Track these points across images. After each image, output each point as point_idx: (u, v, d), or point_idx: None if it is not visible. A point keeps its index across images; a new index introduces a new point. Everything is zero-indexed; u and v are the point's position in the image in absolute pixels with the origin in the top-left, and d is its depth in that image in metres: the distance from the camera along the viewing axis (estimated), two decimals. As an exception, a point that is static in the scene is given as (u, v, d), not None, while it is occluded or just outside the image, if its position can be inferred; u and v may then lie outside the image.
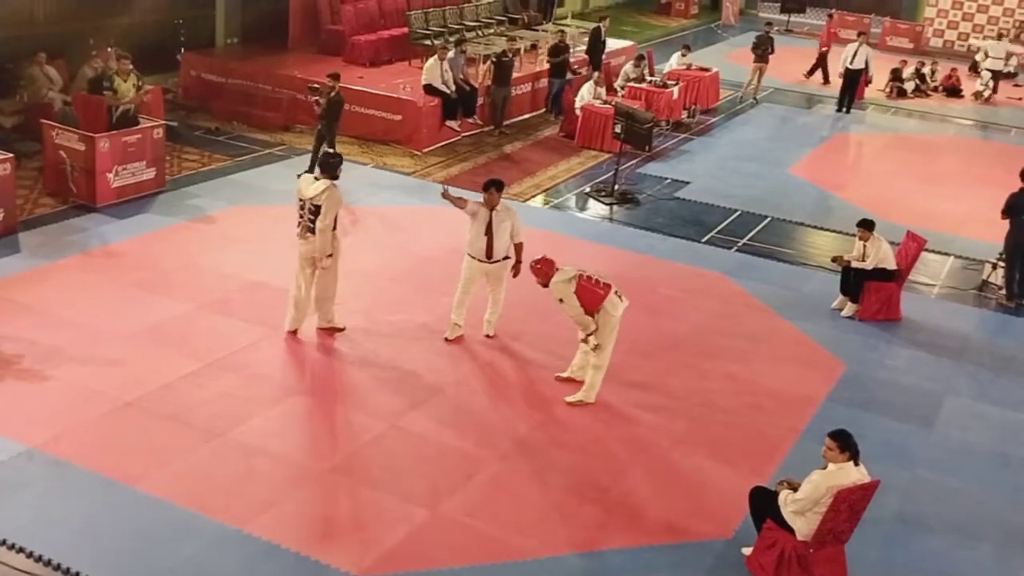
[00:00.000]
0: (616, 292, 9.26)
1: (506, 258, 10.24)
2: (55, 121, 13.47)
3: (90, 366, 9.24)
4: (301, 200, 9.73)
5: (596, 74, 18.78)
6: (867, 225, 11.74)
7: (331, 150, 13.67)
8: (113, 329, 9.92)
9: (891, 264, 11.67)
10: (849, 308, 11.74)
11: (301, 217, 9.75)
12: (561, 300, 9.21)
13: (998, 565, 7.71)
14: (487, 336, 10.46)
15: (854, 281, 11.72)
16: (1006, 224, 12.49)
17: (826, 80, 23.99)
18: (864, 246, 11.71)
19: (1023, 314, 12.27)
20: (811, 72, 23.99)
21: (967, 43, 28.99)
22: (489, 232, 10.01)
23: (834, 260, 12.17)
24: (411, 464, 8.27)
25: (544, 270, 9.30)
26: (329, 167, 9.80)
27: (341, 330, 10.25)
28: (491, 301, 10.48)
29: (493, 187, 10.01)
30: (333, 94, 14.22)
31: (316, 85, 14.58)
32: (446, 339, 10.31)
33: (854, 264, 11.70)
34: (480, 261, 10.13)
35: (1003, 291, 12.60)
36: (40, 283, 10.75)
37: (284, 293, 10.91)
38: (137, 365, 9.32)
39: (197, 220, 12.82)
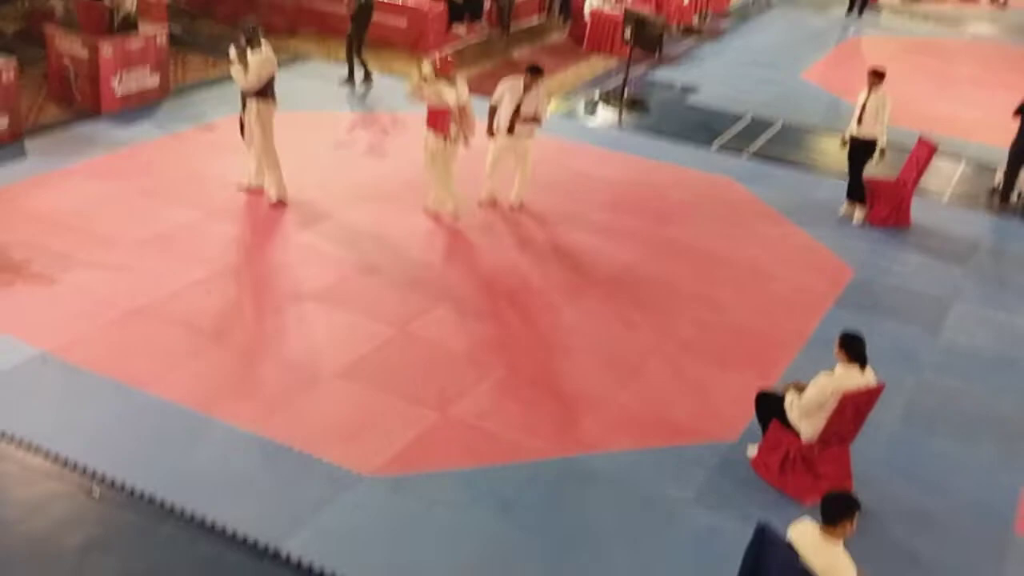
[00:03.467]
0: (445, 136, 10.46)
1: (529, 135, 11.05)
2: (58, 27, 13.30)
3: (100, 272, 9.27)
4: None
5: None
6: (878, 73, 11.45)
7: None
8: (121, 235, 9.93)
9: (882, 135, 11.45)
10: (858, 213, 11.67)
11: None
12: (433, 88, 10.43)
13: (1001, 465, 7.78)
14: (512, 208, 11.19)
15: (858, 160, 11.50)
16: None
17: None
18: (869, 96, 11.44)
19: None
20: None
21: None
22: (518, 109, 10.79)
23: (844, 144, 11.92)
24: (420, 368, 8.34)
25: (439, 64, 10.45)
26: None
27: (279, 204, 10.78)
28: (518, 175, 11.17)
29: (540, 74, 10.90)
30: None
31: None
32: (479, 203, 11.13)
33: (857, 132, 11.48)
34: (506, 134, 10.91)
35: (999, 192, 12.46)
36: (47, 190, 10.74)
37: (291, 199, 10.92)
38: (146, 271, 9.35)
39: (202, 127, 12.75)
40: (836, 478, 7.05)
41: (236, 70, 10.52)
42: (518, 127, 10.87)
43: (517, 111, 10.82)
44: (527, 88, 10.79)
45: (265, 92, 10.51)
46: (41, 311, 8.62)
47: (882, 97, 11.37)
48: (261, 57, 10.39)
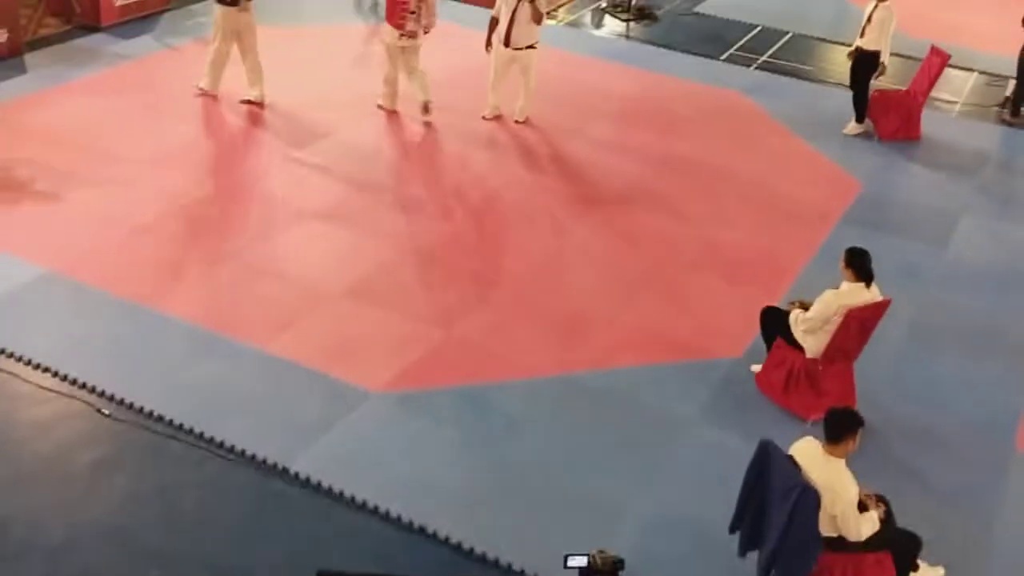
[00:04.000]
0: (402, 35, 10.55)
1: (530, 47, 10.80)
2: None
3: (105, 189, 9.24)
4: None
5: None
6: None
7: None
8: (125, 152, 9.87)
9: (886, 49, 11.22)
10: (853, 127, 11.48)
11: None
12: None
13: (1005, 382, 7.79)
14: (516, 122, 11.02)
15: (860, 74, 11.32)
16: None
17: None
18: (875, 8, 11.10)
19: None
20: None
21: None
22: (512, 20, 10.57)
23: (850, 56, 11.62)
24: (425, 287, 8.34)
25: None
26: None
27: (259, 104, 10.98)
28: (522, 88, 11.02)
29: None
30: None
31: None
32: (483, 117, 11.01)
33: (860, 44, 11.24)
34: (504, 46, 10.71)
35: (1010, 104, 12.28)
36: (49, 106, 10.65)
37: (292, 116, 10.85)
38: (151, 188, 9.31)
39: (203, 40, 12.53)
40: (840, 395, 7.07)
41: None
42: (514, 37, 10.64)
43: (512, 21, 10.59)
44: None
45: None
46: (46, 229, 8.61)
47: (888, 10, 11.07)
48: None
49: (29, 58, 11.67)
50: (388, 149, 10.43)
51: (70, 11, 12.68)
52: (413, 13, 10.43)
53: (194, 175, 9.58)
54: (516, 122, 11.08)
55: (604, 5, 15.00)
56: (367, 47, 12.99)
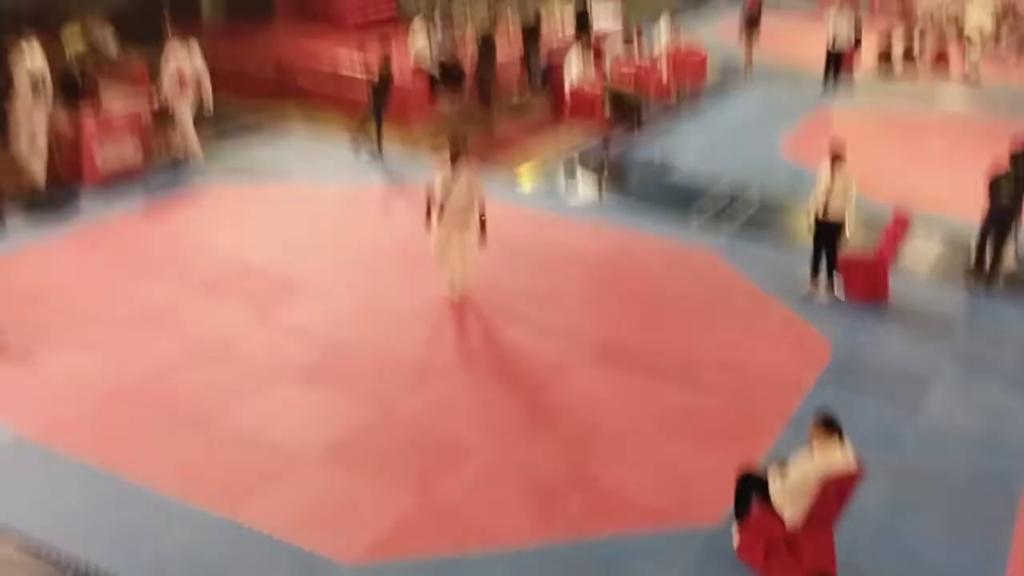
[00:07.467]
0: None
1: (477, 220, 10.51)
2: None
3: (79, 351, 9.19)
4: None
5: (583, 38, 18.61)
6: (841, 155, 11.42)
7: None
8: (102, 312, 9.87)
9: (850, 216, 11.48)
10: (823, 292, 11.67)
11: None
12: None
13: (985, 549, 7.74)
14: (448, 301, 10.70)
15: (829, 242, 11.54)
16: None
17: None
18: (834, 179, 11.35)
19: (1009, 295, 12.29)
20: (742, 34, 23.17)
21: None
22: (446, 192, 10.42)
23: (810, 229, 11.78)
24: (401, 451, 8.27)
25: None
26: None
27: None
28: (458, 271, 10.72)
29: (460, 152, 10.47)
30: (384, 72, 14.94)
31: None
32: (445, 297, 10.69)
33: (821, 208, 11.43)
34: (439, 222, 10.52)
35: (973, 268, 12.56)
36: (28, 264, 10.69)
37: (273, 275, 10.92)
38: (126, 350, 9.28)
39: (184, 199, 12.75)
40: (821, 565, 7.00)
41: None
42: (448, 214, 10.44)
43: (445, 196, 10.42)
44: (455, 171, 10.41)
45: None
46: (17, 391, 8.54)
47: (847, 178, 11.43)
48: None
49: (11, 217, 11.76)
50: (367, 312, 10.47)
51: (54, 170, 12.86)
52: (187, 82, 13.84)
53: (169, 337, 9.56)
54: (450, 302, 10.72)
55: (578, 169, 15.38)
56: (346, 208, 13.20)
